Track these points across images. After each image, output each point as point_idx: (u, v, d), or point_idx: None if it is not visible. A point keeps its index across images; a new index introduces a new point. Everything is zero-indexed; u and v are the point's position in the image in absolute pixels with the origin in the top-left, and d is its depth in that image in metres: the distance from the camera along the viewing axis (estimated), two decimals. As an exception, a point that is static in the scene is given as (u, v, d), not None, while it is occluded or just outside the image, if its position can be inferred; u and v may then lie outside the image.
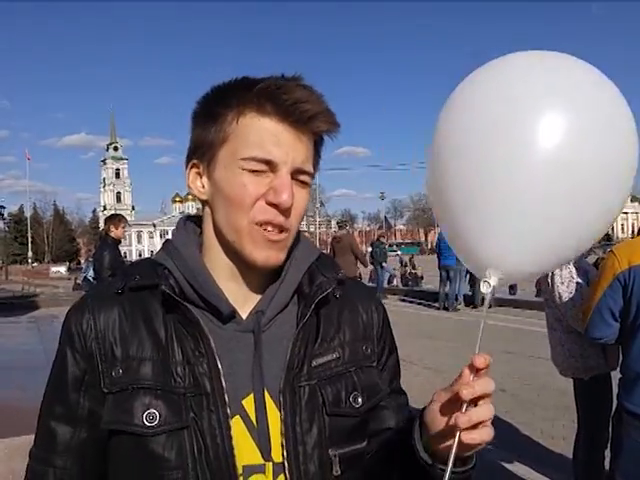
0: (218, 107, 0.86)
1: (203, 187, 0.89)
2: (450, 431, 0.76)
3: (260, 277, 0.91)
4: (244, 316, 0.89)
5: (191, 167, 0.91)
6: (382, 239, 18.05)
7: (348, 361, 0.92)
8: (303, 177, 0.86)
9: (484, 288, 0.82)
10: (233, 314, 0.88)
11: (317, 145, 0.90)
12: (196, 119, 0.90)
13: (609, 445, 2.62)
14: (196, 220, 0.97)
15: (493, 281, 0.82)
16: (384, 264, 15.52)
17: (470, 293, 12.72)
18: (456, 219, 0.85)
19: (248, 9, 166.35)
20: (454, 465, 0.76)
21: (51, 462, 0.88)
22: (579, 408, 3.17)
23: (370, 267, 15.02)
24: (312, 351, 0.89)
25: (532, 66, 0.82)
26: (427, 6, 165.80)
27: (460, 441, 0.74)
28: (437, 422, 0.79)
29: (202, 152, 0.88)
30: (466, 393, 0.73)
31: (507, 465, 4.03)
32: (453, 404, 0.76)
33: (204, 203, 0.91)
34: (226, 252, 0.89)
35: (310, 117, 0.84)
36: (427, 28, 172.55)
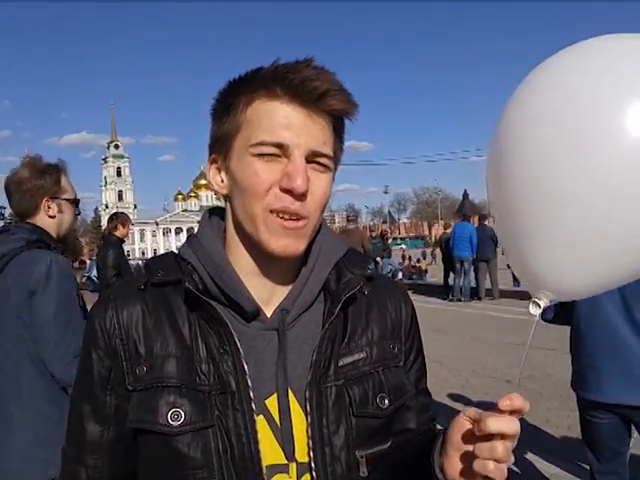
0: (230, 98, 0.84)
1: (222, 181, 0.87)
2: (464, 455, 0.75)
3: (285, 273, 0.89)
4: (269, 313, 0.87)
5: (211, 162, 0.89)
6: (385, 234, 18.03)
7: (375, 361, 0.90)
8: (321, 160, 0.82)
9: (533, 309, 0.77)
10: (257, 312, 0.86)
11: (337, 129, 0.86)
12: (213, 114, 0.88)
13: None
14: (222, 213, 0.94)
15: (543, 303, 0.77)
16: (379, 259, 15.53)
17: (475, 285, 12.70)
18: (517, 235, 0.78)
19: (251, 6, 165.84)
20: None
21: (83, 461, 0.88)
22: None
23: None
24: (339, 350, 0.87)
25: (612, 55, 0.71)
26: (430, 5, 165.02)
27: (472, 468, 0.72)
28: (455, 443, 0.77)
29: (219, 146, 0.86)
30: (485, 425, 0.70)
31: (512, 453, 4.03)
32: (472, 430, 0.74)
33: (225, 198, 0.89)
34: (247, 246, 0.87)
35: (321, 94, 0.79)
36: (429, 24, 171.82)
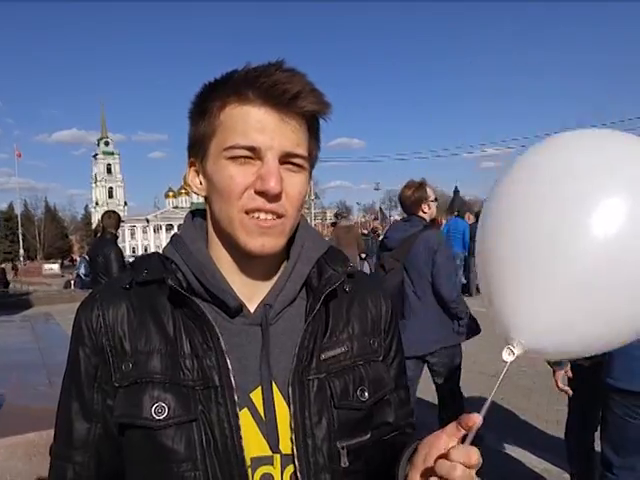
0: (205, 102, 0.87)
1: (200, 184, 0.90)
2: (426, 471, 0.77)
3: (267, 270, 0.91)
4: (252, 309, 0.90)
5: (190, 165, 0.92)
6: (376, 230, 18.10)
7: (356, 355, 0.93)
8: (295, 160, 0.85)
9: (507, 356, 0.80)
10: (241, 308, 0.88)
11: (312, 129, 0.88)
12: (190, 117, 0.90)
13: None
14: (205, 213, 0.97)
15: (518, 351, 0.79)
16: (362, 255, 15.61)
17: (465, 282, 12.75)
18: (500, 288, 0.81)
19: (245, 3, 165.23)
20: None
21: (70, 458, 0.90)
22: (573, 392, 3.20)
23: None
24: (321, 344, 0.90)
25: (596, 147, 0.77)
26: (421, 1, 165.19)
27: None
28: (421, 457, 0.79)
29: (196, 149, 0.89)
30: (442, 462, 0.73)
31: (503, 448, 4.08)
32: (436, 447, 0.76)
33: (205, 199, 0.92)
34: (226, 245, 0.90)
35: (292, 97, 0.81)
36: (422, 17, 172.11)
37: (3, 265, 35.51)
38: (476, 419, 0.73)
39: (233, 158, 0.82)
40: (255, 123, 0.82)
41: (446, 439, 0.76)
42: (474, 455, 0.73)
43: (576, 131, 0.83)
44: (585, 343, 0.78)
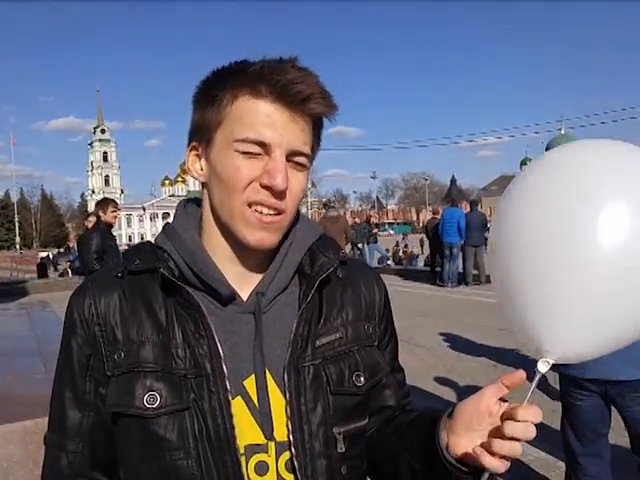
0: (215, 90, 0.85)
1: (201, 169, 0.89)
2: (472, 436, 0.79)
3: (260, 258, 0.91)
4: (245, 297, 0.90)
5: (191, 149, 0.91)
6: (372, 219, 18.19)
7: (351, 340, 0.93)
8: (299, 159, 0.85)
9: (543, 367, 0.83)
10: (233, 296, 0.88)
11: (316, 128, 0.88)
12: (195, 102, 0.89)
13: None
14: (197, 202, 0.96)
15: (552, 361, 0.83)
16: (360, 245, 15.74)
17: (461, 271, 12.78)
18: (518, 299, 0.85)
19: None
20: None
21: (63, 446, 0.91)
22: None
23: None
24: (315, 331, 0.90)
25: (598, 157, 0.81)
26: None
27: (477, 454, 0.76)
28: (468, 421, 0.81)
29: (200, 134, 0.88)
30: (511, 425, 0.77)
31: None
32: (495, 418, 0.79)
33: (203, 185, 0.91)
34: (223, 234, 0.89)
35: (304, 98, 0.82)
36: (419, 7, 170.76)
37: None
38: (523, 375, 0.76)
39: (241, 151, 0.82)
40: (265, 118, 0.82)
41: (487, 400, 0.80)
42: (539, 411, 0.78)
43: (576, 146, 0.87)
44: (604, 347, 0.83)
